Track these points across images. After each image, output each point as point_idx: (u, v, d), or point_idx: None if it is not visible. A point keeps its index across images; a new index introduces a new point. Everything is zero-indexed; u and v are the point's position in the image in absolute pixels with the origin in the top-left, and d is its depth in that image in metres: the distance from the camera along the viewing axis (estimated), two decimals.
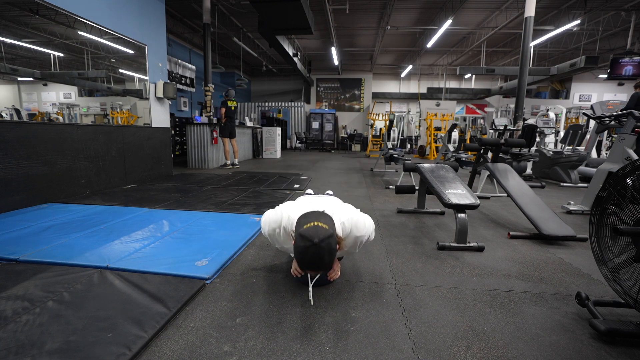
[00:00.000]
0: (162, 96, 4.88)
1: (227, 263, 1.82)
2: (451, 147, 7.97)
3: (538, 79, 12.53)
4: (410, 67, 14.07)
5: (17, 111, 4.17)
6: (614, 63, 8.43)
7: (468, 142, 8.90)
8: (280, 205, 1.58)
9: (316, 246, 1.17)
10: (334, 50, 10.93)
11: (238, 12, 8.94)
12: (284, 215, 1.46)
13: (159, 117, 5.02)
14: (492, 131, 7.80)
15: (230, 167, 6.67)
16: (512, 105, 12.12)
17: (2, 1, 3.42)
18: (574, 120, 12.36)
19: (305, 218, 1.29)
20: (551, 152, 5.44)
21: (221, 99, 6.67)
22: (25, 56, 3.97)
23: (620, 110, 3.22)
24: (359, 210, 1.58)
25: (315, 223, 1.23)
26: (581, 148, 5.68)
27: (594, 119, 3.62)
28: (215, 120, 6.47)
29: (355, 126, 16.16)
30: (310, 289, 1.38)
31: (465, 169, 5.90)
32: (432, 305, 1.42)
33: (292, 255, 1.54)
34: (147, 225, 2.43)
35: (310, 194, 2.48)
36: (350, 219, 1.44)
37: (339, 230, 1.38)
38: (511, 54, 13.26)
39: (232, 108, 6.51)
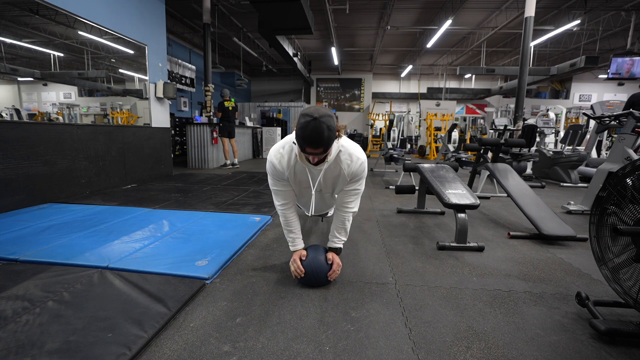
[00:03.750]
0: (162, 96, 4.88)
1: (227, 263, 1.82)
2: (451, 147, 7.97)
3: (538, 79, 12.53)
4: (410, 67, 14.07)
5: (17, 111, 4.16)
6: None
7: (468, 142, 8.90)
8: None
9: (316, 120, 1.17)
10: (334, 50, 10.93)
11: (238, 12, 8.94)
12: (287, 137, 1.48)
13: (159, 117, 5.02)
14: (492, 131, 7.80)
15: (230, 167, 6.67)
16: (512, 105, 12.12)
17: (2, 1, 3.42)
18: (574, 120, 12.36)
19: (305, 109, 1.29)
20: (551, 152, 5.44)
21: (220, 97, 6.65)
22: (25, 56, 3.96)
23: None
24: None
25: (316, 107, 1.25)
26: (581, 148, 5.68)
27: (594, 119, 3.62)
28: (215, 120, 6.47)
29: (355, 126, 16.16)
30: (312, 210, 1.45)
31: (465, 169, 5.90)
32: (432, 305, 1.42)
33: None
34: (147, 225, 2.43)
35: None
36: (348, 145, 1.46)
37: (336, 149, 1.39)
38: (511, 54, 13.26)
39: (230, 108, 6.47)
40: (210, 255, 1.85)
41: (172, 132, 7.77)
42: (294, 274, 1.55)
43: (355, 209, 1.59)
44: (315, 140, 1.20)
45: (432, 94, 15.47)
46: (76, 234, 2.21)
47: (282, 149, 1.46)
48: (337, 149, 1.39)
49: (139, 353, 1.07)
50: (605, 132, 6.52)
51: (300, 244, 1.61)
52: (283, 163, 1.46)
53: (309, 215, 1.58)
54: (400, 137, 9.09)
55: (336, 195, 1.62)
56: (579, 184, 5.01)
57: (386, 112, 13.64)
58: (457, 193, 2.25)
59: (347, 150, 1.44)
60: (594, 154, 5.60)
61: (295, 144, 1.33)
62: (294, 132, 1.33)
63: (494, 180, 3.81)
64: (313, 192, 1.47)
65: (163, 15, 4.94)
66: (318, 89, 16.35)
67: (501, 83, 15.20)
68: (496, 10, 9.13)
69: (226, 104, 6.44)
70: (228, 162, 6.69)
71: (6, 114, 4.02)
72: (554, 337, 1.20)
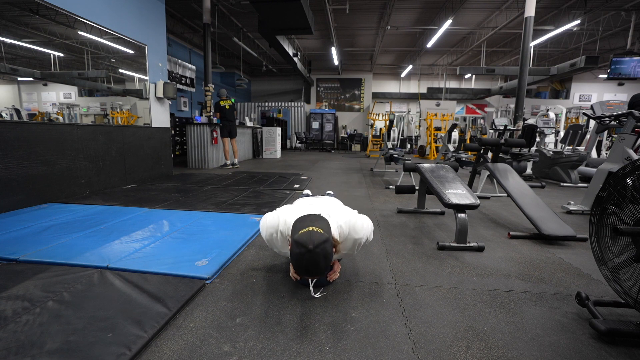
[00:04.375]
0: (162, 96, 4.88)
1: (227, 263, 1.82)
2: (451, 147, 7.97)
3: (538, 79, 12.53)
4: (410, 67, 14.07)
5: (17, 111, 4.16)
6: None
7: (468, 142, 8.90)
8: (277, 209, 1.57)
9: (311, 252, 1.16)
10: (334, 50, 10.93)
11: (238, 12, 8.94)
12: (280, 220, 1.46)
13: (159, 117, 5.02)
14: (492, 131, 7.80)
15: (230, 167, 6.67)
16: (512, 105, 12.13)
17: (2, 1, 3.41)
18: (574, 120, 12.36)
19: (300, 222, 1.29)
20: (551, 152, 5.44)
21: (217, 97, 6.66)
22: (25, 56, 3.96)
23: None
24: (356, 211, 1.58)
25: (310, 228, 1.23)
26: (581, 148, 5.68)
27: (594, 119, 3.62)
28: (215, 121, 6.48)
29: (355, 126, 16.16)
30: (311, 287, 1.39)
31: (465, 169, 5.90)
32: (432, 305, 1.42)
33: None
34: (147, 225, 2.43)
35: (309, 195, 2.47)
36: (348, 222, 1.43)
37: (335, 233, 1.37)
38: (511, 54, 13.26)
39: (227, 107, 6.46)
40: (210, 255, 1.85)
41: (172, 132, 7.77)
42: (293, 277, 1.55)
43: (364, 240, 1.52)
44: (311, 272, 1.22)
45: (432, 94, 15.47)
46: (76, 234, 2.21)
47: (275, 232, 1.47)
48: (337, 232, 1.39)
49: (139, 353, 1.07)
50: (605, 132, 6.52)
51: None
52: (276, 244, 1.50)
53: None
54: (400, 137, 9.09)
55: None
56: (579, 184, 5.01)
57: (386, 112, 13.64)
58: (457, 193, 2.25)
59: (350, 226, 1.42)
60: (594, 154, 5.60)
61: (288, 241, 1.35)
62: (285, 211, 1.41)
63: (494, 180, 3.81)
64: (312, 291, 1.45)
65: (163, 15, 4.94)
66: (318, 89, 16.35)
67: (501, 83, 15.20)
68: (496, 10, 9.13)
69: (222, 103, 6.43)
70: (228, 162, 6.69)
71: (6, 114, 4.02)
72: (554, 337, 1.20)
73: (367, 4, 8.84)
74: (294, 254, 1.20)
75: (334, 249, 1.28)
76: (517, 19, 8.70)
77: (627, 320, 1.23)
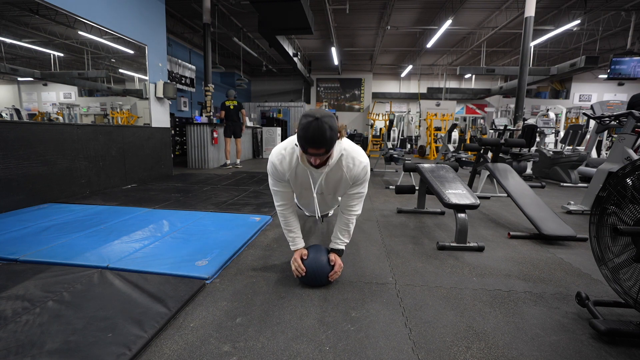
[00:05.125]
0: (162, 96, 4.88)
1: (227, 263, 1.82)
2: (451, 147, 7.97)
3: (538, 79, 12.54)
4: (410, 67, 14.07)
5: (17, 111, 4.16)
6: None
7: (468, 142, 8.90)
8: None
9: (318, 120, 1.17)
10: (334, 50, 10.93)
11: (238, 12, 8.94)
12: (288, 139, 1.48)
13: (159, 117, 5.02)
14: (492, 131, 7.80)
15: (231, 166, 6.69)
16: (512, 105, 12.12)
17: (2, 1, 3.42)
18: (574, 120, 12.36)
19: (307, 111, 1.30)
20: (551, 152, 5.44)
21: (224, 100, 6.74)
22: (25, 56, 3.96)
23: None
24: None
25: (317, 109, 1.25)
26: (581, 148, 5.68)
27: (594, 119, 3.62)
28: (214, 121, 6.50)
29: (355, 126, 16.16)
30: (319, 216, 1.45)
31: (465, 169, 5.90)
32: (432, 305, 1.42)
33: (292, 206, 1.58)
34: (147, 225, 2.43)
35: None
36: (350, 148, 1.45)
37: (338, 152, 1.38)
38: (511, 54, 13.26)
39: (231, 107, 6.51)
40: (210, 255, 1.85)
41: (172, 132, 7.77)
42: (295, 273, 1.55)
43: (359, 212, 1.59)
44: (317, 141, 1.20)
45: (432, 94, 15.47)
46: (76, 234, 2.20)
47: (283, 150, 1.45)
48: (339, 153, 1.38)
49: (139, 353, 1.07)
50: (605, 132, 6.52)
51: (300, 243, 1.61)
52: (284, 164, 1.45)
53: (308, 215, 1.58)
54: (400, 137, 9.09)
55: (339, 198, 1.62)
56: (579, 184, 5.01)
57: (386, 112, 13.64)
58: (457, 193, 2.25)
59: (349, 153, 1.44)
60: (594, 154, 5.60)
61: (297, 145, 1.32)
62: (295, 135, 1.33)
63: (494, 180, 3.81)
64: (315, 195, 1.46)
65: (163, 15, 4.94)
66: (318, 89, 16.35)
67: (501, 83, 15.20)
68: (496, 10, 9.13)
69: (227, 103, 6.49)
70: (228, 162, 6.71)
71: (6, 114, 4.02)
72: (554, 337, 1.20)
73: (367, 4, 8.84)
74: (302, 125, 1.20)
75: (338, 135, 1.28)
76: (517, 19, 8.70)
77: (627, 320, 1.23)
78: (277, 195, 1.56)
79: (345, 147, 1.42)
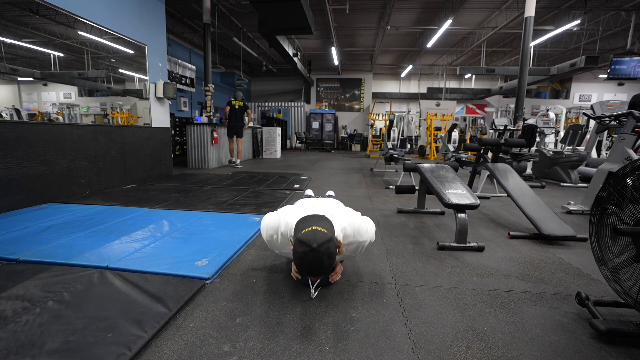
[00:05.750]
0: (162, 96, 4.88)
1: (227, 263, 1.82)
2: (451, 147, 7.97)
3: (538, 79, 12.53)
4: (410, 67, 14.06)
5: (17, 111, 4.16)
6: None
7: (468, 142, 8.90)
8: (279, 209, 1.55)
9: (315, 251, 1.15)
10: (334, 50, 10.92)
11: (238, 12, 8.94)
12: (281, 221, 1.44)
13: (159, 117, 5.02)
14: (492, 131, 7.80)
15: (233, 165, 6.84)
16: (512, 105, 12.12)
17: (2, 1, 3.41)
18: (574, 120, 12.36)
19: (303, 222, 1.27)
20: (551, 152, 5.44)
21: (224, 100, 6.89)
22: (25, 56, 3.96)
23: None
24: (359, 213, 1.57)
25: (314, 227, 1.22)
26: (581, 148, 5.68)
27: (594, 119, 3.62)
28: (214, 120, 6.53)
29: (355, 126, 16.15)
30: (312, 287, 1.40)
31: (465, 169, 5.90)
32: (432, 305, 1.42)
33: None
34: (147, 225, 2.43)
35: (310, 196, 2.47)
36: (352, 224, 1.42)
37: (339, 235, 1.36)
38: (511, 54, 13.26)
39: (236, 107, 6.66)
40: (210, 255, 1.85)
41: (172, 132, 7.78)
42: (294, 276, 1.55)
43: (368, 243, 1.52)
44: (314, 271, 1.21)
45: (432, 94, 15.46)
46: (76, 234, 2.21)
47: (275, 234, 1.46)
48: (341, 234, 1.38)
49: (139, 353, 1.07)
50: (605, 132, 6.52)
51: None
52: (277, 245, 1.49)
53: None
54: (400, 137, 9.08)
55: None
56: (579, 184, 5.01)
57: (386, 112, 13.64)
58: (457, 193, 2.25)
59: (354, 229, 1.42)
60: (594, 154, 5.60)
61: (290, 241, 1.34)
62: (287, 214, 1.38)
63: (494, 180, 3.81)
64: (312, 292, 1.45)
65: (163, 15, 4.94)
66: (318, 89, 16.35)
67: (501, 83, 15.20)
68: (496, 10, 9.12)
69: (233, 102, 6.64)
70: (233, 159, 6.89)
71: (6, 114, 4.02)
72: (554, 337, 1.20)
73: (367, 4, 8.84)
74: (297, 253, 1.19)
75: (337, 250, 1.27)
76: (517, 19, 8.70)
77: (627, 320, 1.23)
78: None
79: (345, 226, 1.41)
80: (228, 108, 6.61)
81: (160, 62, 4.95)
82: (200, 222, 2.55)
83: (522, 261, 1.95)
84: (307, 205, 1.61)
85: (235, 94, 6.84)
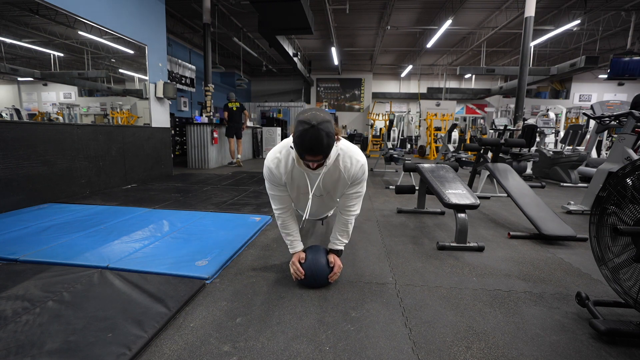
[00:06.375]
0: (162, 96, 4.88)
1: (227, 263, 1.82)
2: (451, 147, 7.97)
3: (538, 79, 12.54)
4: (410, 67, 14.07)
5: (17, 111, 4.16)
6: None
7: (468, 142, 8.90)
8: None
9: (314, 127, 1.15)
10: (334, 50, 10.92)
11: (238, 12, 8.94)
12: (284, 141, 1.47)
13: (159, 117, 5.02)
14: (492, 131, 7.80)
15: (235, 164, 6.89)
16: (512, 105, 12.12)
17: (2, 1, 3.42)
18: (574, 120, 12.36)
19: (303, 112, 1.26)
20: (551, 152, 5.44)
21: (224, 100, 6.97)
22: (25, 56, 3.97)
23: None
24: None
25: (313, 112, 1.23)
26: (581, 148, 5.68)
27: (594, 119, 3.62)
28: (214, 121, 6.55)
29: (355, 126, 16.16)
30: (306, 213, 1.43)
31: (465, 169, 5.90)
32: (432, 305, 1.42)
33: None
34: (147, 225, 2.43)
35: None
36: (347, 149, 1.44)
37: (335, 153, 1.37)
38: (511, 54, 13.26)
39: (234, 109, 6.73)
40: (210, 255, 1.85)
41: (172, 132, 7.79)
42: (293, 276, 1.54)
43: (358, 211, 1.58)
44: (314, 149, 1.19)
45: (432, 94, 15.46)
46: (76, 234, 2.20)
47: (279, 153, 1.44)
48: (336, 153, 1.37)
49: (139, 353, 1.07)
50: (605, 132, 6.52)
51: (298, 246, 1.59)
52: (280, 168, 1.44)
53: (306, 218, 1.56)
54: (400, 137, 9.08)
55: (338, 199, 1.61)
56: (579, 184, 5.01)
57: (386, 112, 13.64)
58: (457, 193, 2.25)
59: (347, 153, 1.43)
60: (594, 154, 5.60)
61: (292, 148, 1.31)
62: (291, 136, 1.32)
63: (494, 180, 3.81)
64: (310, 197, 1.46)
65: (163, 15, 4.94)
66: (318, 89, 16.35)
67: (501, 83, 15.20)
68: (496, 10, 9.13)
69: (230, 104, 6.70)
70: (234, 160, 6.94)
71: (6, 114, 4.02)
72: (554, 337, 1.20)
73: (367, 4, 8.84)
74: (298, 132, 1.18)
75: (335, 137, 1.27)
76: (517, 19, 8.70)
77: (627, 320, 1.23)
78: (275, 199, 1.55)
79: (342, 147, 1.41)
80: (227, 113, 6.67)
81: (160, 62, 4.95)
82: (200, 222, 2.55)
83: (522, 261, 1.95)
84: None
85: (228, 95, 6.87)
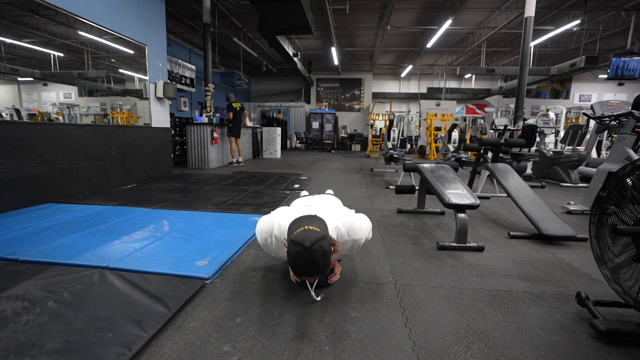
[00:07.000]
0: (162, 96, 4.88)
1: (227, 263, 1.82)
2: (451, 147, 7.97)
3: (538, 79, 12.53)
4: (410, 67, 14.06)
5: (17, 111, 4.16)
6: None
7: (468, 142, 8.90)
8: (272, 212, 1.52)
9: (308, 250, 1.13)
10: (334, 50, 10.92)
11: (238, 12, 8.94)
12: (274, 224, 1.41)
13: (159, 117, 5.02)
14: (492, 131, 7.80)
15: (236, 164, 6.90)
16: (512, 105, 12.12)
17: (2, 1, 3.42)
18: (574, 120, 12.36)
19: (296, 224, 1.25)
20: (551, 152, 5.44)
21: (225, 101, 6.99)
22: (25, 56, 3.96)
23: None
24: (353, 211, 1.56)
25: (306, 227, 1.20)
26: (581, 148, 5.68)
27: (594, 119, 3.62)
28: (214, 121, 6.54)
29: (355, 126, 16.15)
30: (312, 290, 1.38)
31: (465, 169, 5.90)
32: (432, 305, 1.42)
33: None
34: (147, 225, 2.43)
35: (306, 195, 2.46)
36: (345, 222, 1.39)
37: (333, 234, 1.34)
38: (511, 54, 13.26)
39: (238, 109, 6.77)
40: (210, 255, 1.85)
41: (172, 132, 7.79)
42: (293, 279, 1.54)
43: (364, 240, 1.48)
44: (309, 272, 1.18)
45: (432, 94, 15.46)
46: (76, 234, 2.21)
47: (269, 237, 1.41)
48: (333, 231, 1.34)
49: (139, 353, 1.07)
50: (605, 132, 6.52)
51: None
52: (272, 249, 1.45)
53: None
54: (400, 137, 9.08)
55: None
56: (579, 184, 5.01)
57: (386, 112, 13.64)
58: (457, 193, 2.25)
59: (346, 229, 1.38)
60: (594, 154, 5.60)
61: (285, 245, 1.29)
62: (281, 216, 1.34)
63: (494, 180, 3.81)
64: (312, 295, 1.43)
65: (163, 15, 4.94)
66: (318, 89, 16.34)
67: (501, 83, 15.19)
68: (496, 10, 9.12)
69: (234, 105, 6.72)
70: (234, 160, 6.95)
71: (6, 114, 4.02)
72: (554, 337, 1.20)
73: (367, 4, 8.84)
74: (291, 254, 1.16)
75: (332, 249, 1.25)
76: (517, 19, 8.70)
77: (627, 320, 1.23)
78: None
79: (338, 224, 1.37)
80: (231, 114, 6.66)
81: (160, 62, 4.95)
82: (200, 222, 2.55)
83: (522, 261, 1.95)
84: (302, 206, 1.59)
85: (228, 96, 6.87)
